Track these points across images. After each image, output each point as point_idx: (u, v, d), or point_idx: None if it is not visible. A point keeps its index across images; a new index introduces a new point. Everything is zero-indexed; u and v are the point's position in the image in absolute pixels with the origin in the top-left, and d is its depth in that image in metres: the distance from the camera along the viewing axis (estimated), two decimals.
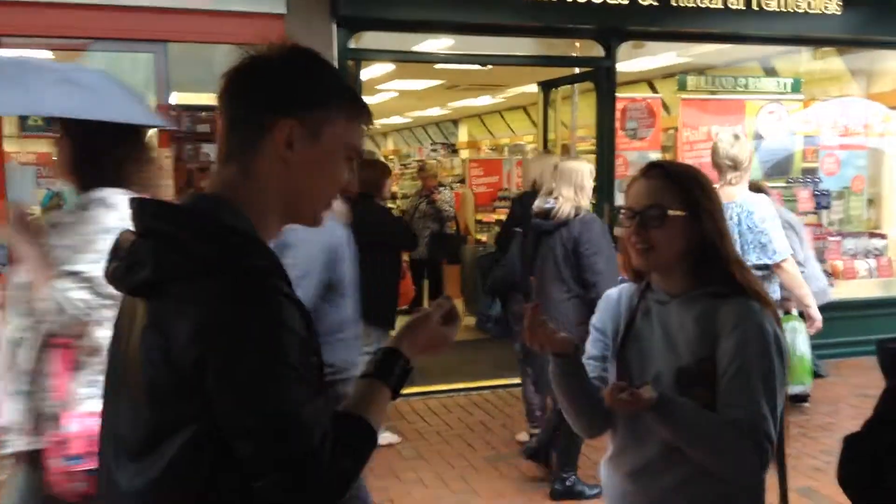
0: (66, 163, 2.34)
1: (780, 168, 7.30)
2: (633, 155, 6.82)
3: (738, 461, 1.77)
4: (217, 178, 1.34)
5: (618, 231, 4.87)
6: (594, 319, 2.09)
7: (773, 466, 1.81)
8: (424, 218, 9.10)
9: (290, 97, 1.31)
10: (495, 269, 5.28)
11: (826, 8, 6.83)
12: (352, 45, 6.06)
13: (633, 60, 8.33)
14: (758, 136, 7.06)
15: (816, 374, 5.78)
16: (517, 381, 5.49)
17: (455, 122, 18.98)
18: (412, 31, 6.54)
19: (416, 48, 7.32)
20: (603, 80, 6.75)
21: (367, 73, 9.22)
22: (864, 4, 6.95)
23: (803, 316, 4.55)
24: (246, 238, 1.26)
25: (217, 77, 1.35)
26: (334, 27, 5.87)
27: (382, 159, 12.87)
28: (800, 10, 6.78)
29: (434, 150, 17.66)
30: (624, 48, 6.82)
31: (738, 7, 6.62)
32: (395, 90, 12.63)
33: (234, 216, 1.28)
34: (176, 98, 5.71)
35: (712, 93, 7.15)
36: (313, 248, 3.12)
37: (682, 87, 7.08)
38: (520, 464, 4.98)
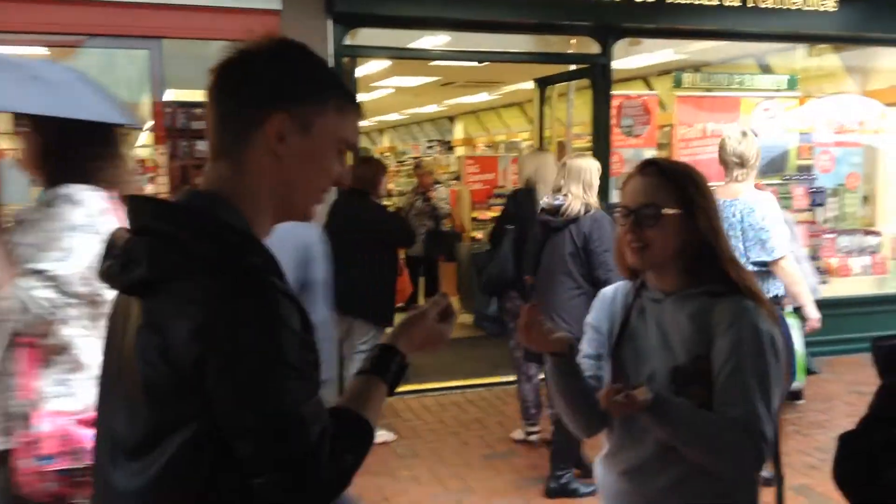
0: (33, 158, 2.30)
1: (775, 165, 7.31)
2: (628, 152, 6.82)
3: (735, 461, 1.78)
4: (209, 174, 1.33)
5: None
6: (590, 318, 2.09)
7: (768, 464, 1.81)
8: (420, 215, 9.10)
9: (280, 91, 1.30)
10: (488, 267, 5.28)
11: (822, 5, 6.83)
12: (347, 41, 6.05)
13: (629, 57, 8.33)
14: (753, 134, 7.05)
15: (809, 371, 5.80)
16: (512, 378, 5.49)
17: (451, 119, 18.97)
18: (408, 28, 6.53)
19: (411, 45, 7.31)
20: (599, 77, 6.74)
21: (363, 69, 9.21)
22: (860, 1, 6.96)
23: (798, 311, 4.56)
24: (243, 236, 1.26)
25: None
26: (330, 23, 5.85)
27: (378, 156, 12.87)
28: (795, 7, 6.78)
29: (430, 148, 17.67)
30: (620, 45, 6.82)
31: (734, 4, 6.62)
32: (391, 87, 12.61)
33: (230, 213, 1.27)
34: (171, 95, 5.70)
35: (708, 90, 7.15)
36: (286, 246, 3.12)
37: (678, 84, 7.08)
38: (514, 461, 4.99)
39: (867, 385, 1.50)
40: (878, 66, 8.17)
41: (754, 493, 1.90)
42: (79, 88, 2.38)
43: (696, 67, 7.88)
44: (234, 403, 1.17)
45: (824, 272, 7.31)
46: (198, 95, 1.39)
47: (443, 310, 1.50)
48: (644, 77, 10.23)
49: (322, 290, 3.33)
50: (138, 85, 5.98)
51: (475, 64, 8.69)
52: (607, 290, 2.10)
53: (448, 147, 17.74)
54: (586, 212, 4.33)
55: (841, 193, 7.65)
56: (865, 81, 8.15)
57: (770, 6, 6.70)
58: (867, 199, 7.93)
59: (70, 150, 2.27)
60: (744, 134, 4.44)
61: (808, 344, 4.95)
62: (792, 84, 7.28)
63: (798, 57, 7.82)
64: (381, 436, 5.25)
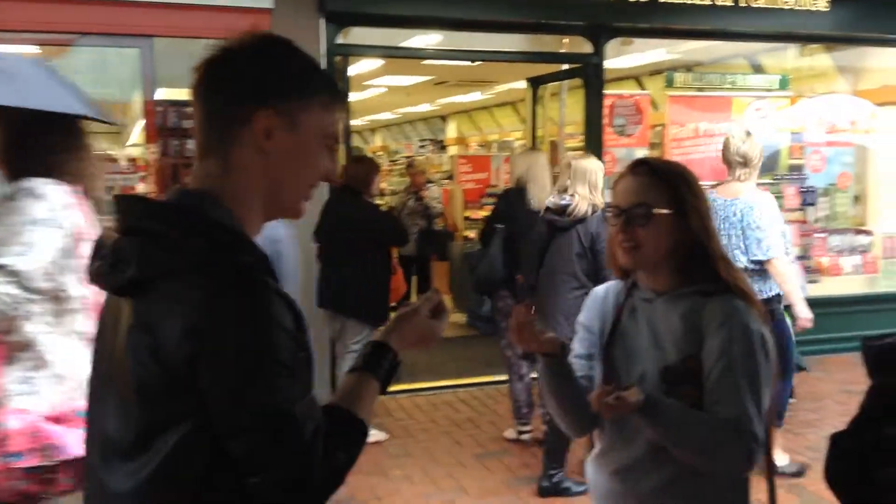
0: None
1: (766, 165, 7.26)
2: (620, 152, 6.83)
3: (726, 461, 1.78)
4: (198, 173, 1.33)
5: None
6: (581, 317, 2.09)
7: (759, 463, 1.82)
8: (413, 214, 9.09)
9: (266, 87, 1.29)
10: (478, 267, 5.29)
11: (814, 5, 6.86)
12: (340, 40, 6.04)
13: (622, 57, 8.34)
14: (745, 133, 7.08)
15: (799, 367, 5.84)
16: (504, 378, 5.49)
17: (443, 119, 18.96)
18: (401, 27, 6.53)
19: (404, 44, 7.30)
20: (591, 76, 6.75)
21: (355, 68, 9.19)
22: (852, 1, 6.99)
23: (788, 309, 4.59)
24: (234, 234, 1.25)
25: None
26: (322, 22, 5.84)
27: (370, 156, 12.85)
28: (787, 7, 6.80)
29: (422, 147, 17.65)
30: (612, 45, 6.83)
31: (726, 4, 6.64)
32: (384, 86, 12.59)
33: (220, 212, 1.27)
34: (162, 93, 5.68)
35: (700, 90, 7.17)
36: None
37: (670, 83, 7.10)
38: (507, 460, 5.00)
39: (858, 384, 1.50)
40: (869, 66, 8.20)
41: (745, 492, 1.90)
42: (40, 79, 2.33)
43: (688, 67, 7.90)
44: (228, 402, 1.17)
45: (815, 271, 7.34)
46: (189, 94, 1.37)
47: (435, 306, 1.49)
48: (636, 77, 10.24)
49: (292, 286, 3.33)
50: (129, 84, 5.96)
51: (468, 63, 8.70)
52: (599, 290, 2.10)
53: (441, 146, 17.73)
54: (593, 212, 4.36)
55: (832, 193, 7.68)
56: (856, 81, 8.18)
57: (762, 6, 6.72)
58: (858, 199, 7.96)
59: (32, 141, 2.24)
60: (748, 134, 4.50)
61: (798, 343, 4.98)
62: (783, 84, 7.30)
63: (789, 57, 7.85)
64: (374, 435, 5.24)
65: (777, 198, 7.15)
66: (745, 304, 1.83)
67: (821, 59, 8.07)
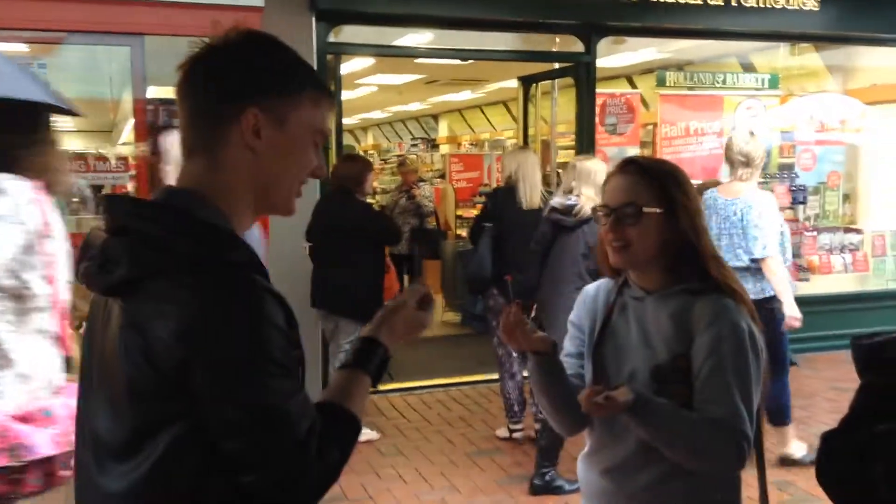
0: None
1: None
2: (612, 150, 6.84)
3: (716, 460, 1.78)
4: (185, 172, 1.32)
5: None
6: (572, 316, 2.09)
7: (751, 461, 1.82)
8: (404, 213, 9.09)
9: (252, 84, 1.29)
10: (467, 266, 5.30)
11: (804, 4, 6.88)
12: (331, 38, 6.03)
13: (613, 56, 8.36)
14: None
15: (790, 363, 5.87)
16: (496, 376, 5.49)
17: (435, 118, 18.96)
18: (392, 26, 6.52)
19: (396, 42, 7.30)
20: (583, 75, 6.76)
21: (347, 67, 9.18)
22: (842, 0, 7.01)
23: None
24: (223, 233, 1.25)
25: None
26: (313, 21, 5.83)
27: (362, 154, 12.81)
28: (778, 6, 6.82)
29: (414, 146, 17.65)
30: (603, 44, 6.84)
31: (717, 3, 6.65)
32: (375, 84, 12.59)
33: (209, 211, 1.26)
34: (153, 92, 5.65)
35: (691, 89, 7.18)
36: None
37: (661, 82, 7.11)
38: (499, 459, 5.00)
39: (847, 382, 1.51)
40: (858, 65, 8.24)
41: (736, 490, 1.91)
42: (2, 70, 2.29)
43: (679, 66, 7.93)
44: (221, 402, 1.17)
45: (806, 269, 7.36)
46: (174, 93, 1.36)
47: (421, 297, 1.49)
48: (628, 76, 10.26)
49: None
50: (120, 82, 5.94)
51: (459, 62, 8.70)
52: (589, 288, 2.10)
53: (432, 145, 17.73)
54: None
55: (822, 191, 7.72)
56: (846, 80, 8.21)
57: (752, 5, 6.74)
58: (848, 197, 7.99)
59: None
60: (751, 134, 4.55)
61: (788, 340, 5.01)
62: (774, 83, 7.33)
63: (780, 56, 7.87)
64: (366, 434, 5.24)
65: None
66: (735, 303, 1.83)
67: (811, 58, 8.10)
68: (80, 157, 5.65)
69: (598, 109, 6.83)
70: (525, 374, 5.10)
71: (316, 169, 1.37)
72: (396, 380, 6.45)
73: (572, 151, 7.73)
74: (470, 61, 8.30)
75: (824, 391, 6.23)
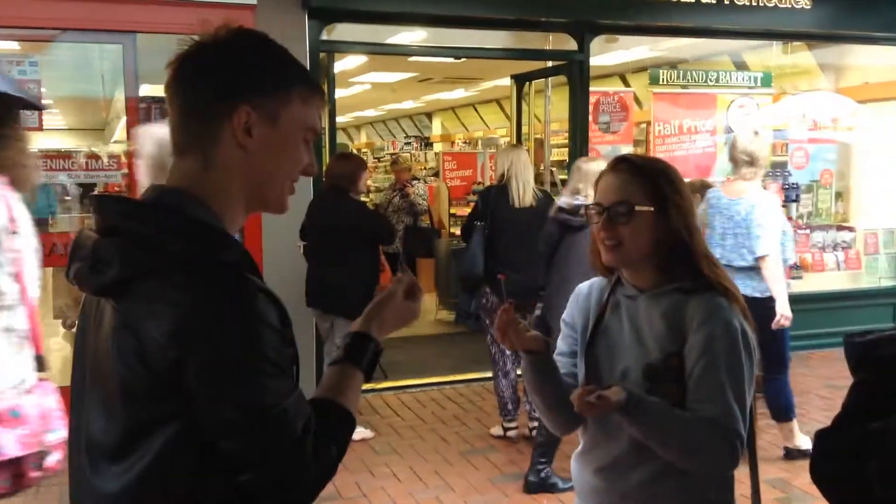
0: None
1: None
2: (605, 149, 6.84)
3: (709, 460, 1.78)
4: (176, 171, 1.31)
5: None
6: (565, 315, 2.09)
7: (743, 459, 1.82)
8: (398, 212, 9.08)
9: (243, 82, 1.28)
10: (460, 265, 5.30)
11: (796, 2, 6.89)
12: (324, 36, 6.02)
13: (606, 54, 8.36)
14: (728, 130, 7.12)
15: None
16: (490, 374, 5.49)
17: (428, 116, 18.95)
18: (385, 24, 6.51)
19: (389, 40, 7.29)
20: (576, 73, 6.76)
21: (340, 65, 9.17)
22: None
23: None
24: (215, 232, 1.25)
25: None
26: (306, 18, 5.82)
27: (355, 152, 12.82)
28: (770, 5, 6.84)
29: (408, 144, 17.64)
30: (597, 42, 6.85)
31: (710, 1, 6.66)
32: (368, 83, 12.57)
33: (200, 210, 1.26)
34: (145, 90, 5.64)
35: (684, 87, 7.19)
36: None
37: (655, 81, 7.12)
38: (493, 457, 5.00)
39: (841, 379, 1.51)
40: (850, 64, 8.26)
41: (729, 488, 1.91)
42: None
43: (672, 64, 7.93)
44: (217, 401, 1.16)
45: (799, 267, 7.38)
46: (164, 91, 1.35)
47: (408, 287, 1.49)
48: (621, 74, 10.26)
49: None
50: (112, 80, 5.92)
51: (452, 60, 8.69)
52: (583, 287, 2.10)
53: (426, 143, 17.72)
54: None
55: (815, 190, 7.74)
56: (838, 78, 8.24)
57: (745, 3, 6.75)
58: (841, 196, 8.02)
59: None
60: (756, 133, 4.56)
61: None
62: (766, 81, 7.34)
63: (773, 54, 7.89)
64: (360, 433, 5.23)
65: None
66: (728, 302, 1.83)
67: (803, 56, 8.12)
68: (69, 154, 5.64)
69: (591, 108, 6.83)
70: (519, 372, 5.11)
71: (308, 167, 1.36)
72: (390, 378, 6.45)
73: (566, 150, 7.74)
74: (463, 59, 8.29)
75: (818, 389, 6.25)
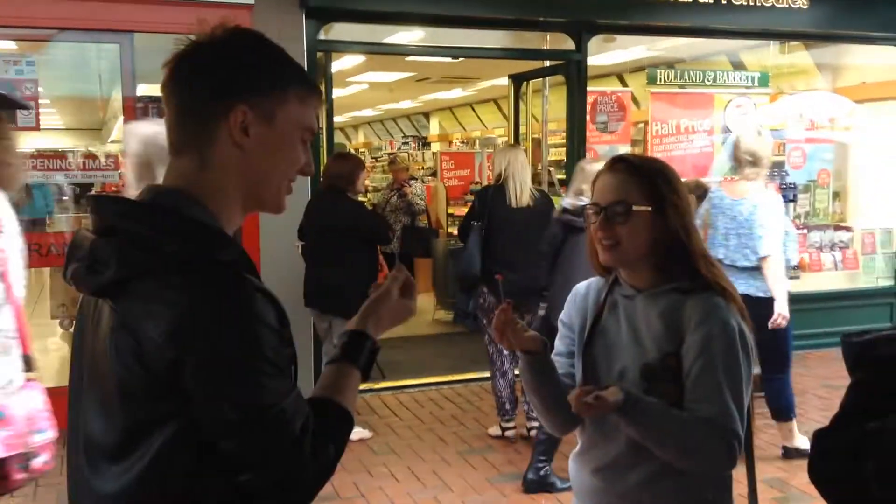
0: None
1: None
2: (603, 149, 6.84)
3: (707, 460, 1.78)
4: (173, 171, 1.31)
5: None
6: (562, 315, 2.09)
7: (741, 459, 1.82)
8: (396, 211, 9.08)
9: (240, 81, 1.28)
10: (456, 265, 5.30)
11: (793, 2, 6.90)
12: (321, 36, 6.01)
13: (604, 54, 8.36)
14: (726, 130, 7.13)
15: None
16: (488, 374, 5.49)
17: (426, 115, 18.95)
18: (383, 23, 6.51)
19: (386, 40, 7.29)
20: (573, 73, 6.76)
21: (338, 65, 9.17)
22: None
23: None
24: (212, 232, 1.24)
25: None
26: (303, 18, 5.81)
27: (353, 152, 12.79)
28: (767, 4, 6.84)
29: (405, 143, 17.64)
30: (594, 42, 6.85)
31: (707, 1, 6.67)
32: (366, 82, 12.57)
33: (197, 210, 1.26)
34: (143, 89, 5.63)
35: (681, 86, 7.19)
36: None
37: (652, 80, 7.12)
38: (491, 457, 5.00)
39: (838, 379, 1.52)
40: (848, 63, 8.27)
41: (727, 488, 1.91)
42: None
43: (669, 64, 7.93)
44: (215, 401, 1.16)
45: (796, 267, 7.38)
46: (160, 90, 1.35)
47: (403, 284, 1.49)
48: (619, 74, 10.27)
49: None
50: (109, 79, 5.91)
51: (450, 59, 8.69)
52: (580, 287, 2.10)
53: (423, 143, 17.73)
54: None
55: (812, 189, 7.74)
56: (836, 78, 8.24)
57: (742, 3, 6.76)
58: (838, 195, 8.02)
59: None
60: (758, 133, 4.56)
61: None
62: (764, 81, 7.34)
63: (770, 54, 7.90)
64: (358, 433, 5.23)
65: None
66: (725, 301, 1.83)
67: (800, 56, 8.13)
68: (66, 154, 5.63)
69: (589, 107, 6.83)
70: (516, 372, 5.11)
71: (305, 166, 1.36)
72: (388, 378, 6.45)
73: (563, 149, 7.73)
74: (461, 59, 8.30)
75: (815, 388, 6.26)
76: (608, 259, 1.90)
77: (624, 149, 6.88)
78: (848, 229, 7.84)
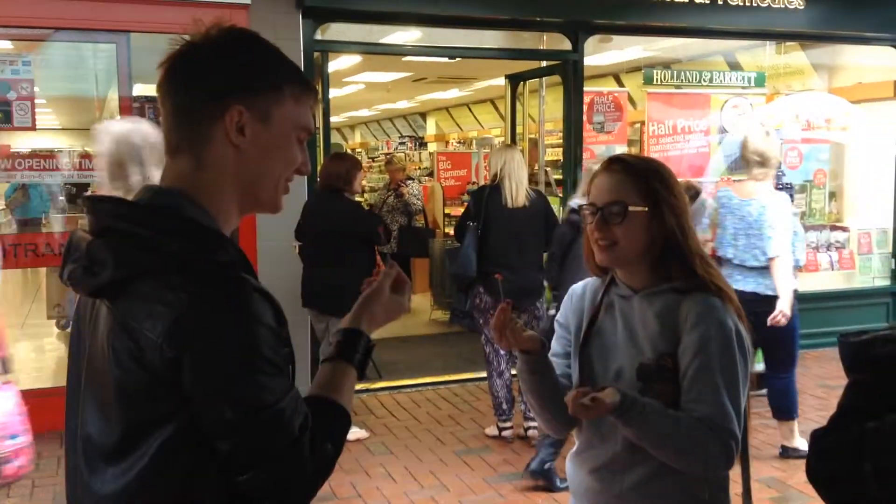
0: None
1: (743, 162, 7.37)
2: (600, 149, 6.85)
3: (704, 460, 1.78)
4: (169, 171, 1.31)
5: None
6: (558, 315, 2.08)
7: (737, 458, 1.82)
8: (392, 212, 9.08)
9: (236, 81, 1.28)
10: (451, 265, 5.29)
11: (789, 3, 6.91)
12: (318, 36, 6.01)
13: (600, 54, 8.37)
14: (722, 130, 7.14)
15: None
16: (485, 374, 5.49)
17: (423, 116, 18.95)
18: (379, 23, 6.51)
19: (383, 40, 7.28)
20: (570, 73, 6.77)
21: (334, 64, 9.16)
22: None
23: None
24: (210, 233, 1.24)
25: None
26: (300, 18, 5.81)
27: (350, 152, 12.79)
28: (763, 5, 6.85)
29: (402, 144, 17.64)
30: (591, 42, 6.85)
31: (703, 1, 6.68)
32: (363, 82, 12.56)
33: (194, 210, 1.26)
34: (139, 89, 5.62)
35: (678, 87, 7.20)
36: None
37: (648, 80, 7.13)
38: (488, 457, 5.00)
39: (835, 379, 1.52)
40: (844, 64, 8.28)
41: (724, 488, 1.91)
42: None
43: (666, 64, 7.94)
44: (214, 402, 1.16)
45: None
46: (156, 91, 1.35)
47: (395, 281, 1.49)
48: (615, 74, 10.28)
49: None
50: (105, 79, 5.90)
51: (447, 59, 8.69)
52: (577, 287, 2.10)
53: (420, 143, 17.72)
54: None
55: (808, 189, 7.75)
56: (832, 79, 8.26)
57: (738, 3, 6.77)
58: (834, 196, 8.04)
59: None
60: (767, 133, 4.57)
61: None
62: (760, 81, 7.35)
63: (766, 54, 7.91)
64: (355, 433, 5.23)
65: None
66: (722, 302, 1.83)
67: (797, 56, 8.14)
68: (62, 154, 5.62)
69: (585, 107, 6.84)
70: (513, 372, 5.11)
71: (301, 166, 1.36)
72: (385, 378, 6.45)
73: (560, 150, 7.73)
74: (457, 59, 8.29)
75: (812, 388, 6.26)
76: (605, 259, 1.90)
77: (620, 149, 6.88)
78: (844, 229, 7.85)
